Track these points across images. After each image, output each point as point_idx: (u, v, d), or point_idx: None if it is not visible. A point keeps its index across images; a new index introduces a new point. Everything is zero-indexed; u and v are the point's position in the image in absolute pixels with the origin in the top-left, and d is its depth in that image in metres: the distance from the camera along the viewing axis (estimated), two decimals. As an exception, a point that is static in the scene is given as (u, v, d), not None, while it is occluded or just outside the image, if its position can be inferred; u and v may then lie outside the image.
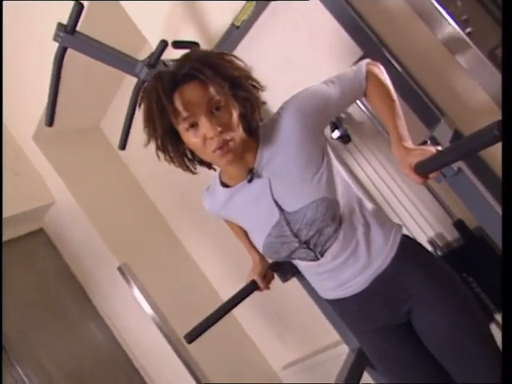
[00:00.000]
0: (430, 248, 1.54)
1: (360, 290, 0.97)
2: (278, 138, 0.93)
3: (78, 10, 1.35)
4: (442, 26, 1.37)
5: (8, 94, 2.30)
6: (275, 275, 1.33)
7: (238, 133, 0.90)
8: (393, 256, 0.95)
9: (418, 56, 1.36)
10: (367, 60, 1.01)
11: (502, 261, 0.69)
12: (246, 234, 1.17)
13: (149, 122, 0.89)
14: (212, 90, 0.86)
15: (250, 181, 0.95)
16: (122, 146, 1.70)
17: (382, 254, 0.95)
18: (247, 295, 1.27)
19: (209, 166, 0.99)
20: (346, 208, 0.94)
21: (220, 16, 1.61)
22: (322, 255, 0.96)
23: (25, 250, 2.40)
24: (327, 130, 1.54)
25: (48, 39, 1.44)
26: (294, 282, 1.43)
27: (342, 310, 1.05)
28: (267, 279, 1.27)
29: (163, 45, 1.42)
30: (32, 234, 2.47)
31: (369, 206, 0.99)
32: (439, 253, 1.52)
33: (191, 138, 0.88)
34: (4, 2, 2.02)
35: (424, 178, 0.88)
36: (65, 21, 1.40)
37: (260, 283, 1.25)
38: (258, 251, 1.24)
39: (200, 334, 1.24)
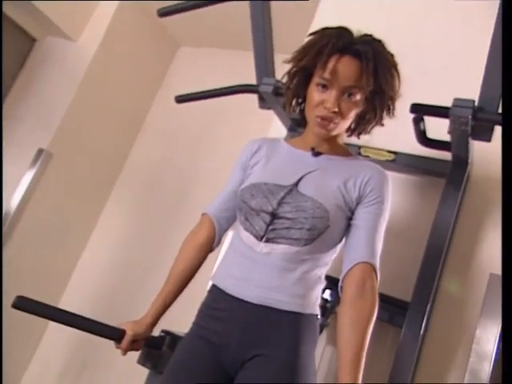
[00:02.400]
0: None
1: (247, 299, 0.92)
2: (348, 169, 1.00)
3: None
4: None
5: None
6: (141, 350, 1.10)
7: (344, 124, 0.99)
8: (289, 310, 0.92)
9: None
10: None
11: (502, 261, 0.70)
12: (186, 267, 1.06)
13: (302, 52, 0.98)
14: (362, 79, 0.93)
15: (314, 155, 1.03)
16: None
17: (286, 298, 0.92)
18: (104, 336, 1.04)
19: (300, 123, 1.10)
20: (320, 247, 0.95)
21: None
22: (264, 240, 0.93)
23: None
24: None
25: None
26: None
27: (213, 301, 0.98)
28: (134, 345, 1.05)
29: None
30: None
31: (321, 274, 0.98)
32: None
33: (314, 92, 0.97)
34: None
35: None
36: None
37: (125, 342, 1.02)
38: (157, 313, 1.05)
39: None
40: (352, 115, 0.98)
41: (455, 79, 1.49)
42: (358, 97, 0.96)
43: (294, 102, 1.06)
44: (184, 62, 3.09)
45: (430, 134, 1.29)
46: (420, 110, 1.21)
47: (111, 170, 2.85)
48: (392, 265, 1.34)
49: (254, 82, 1.47)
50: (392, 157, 1.45)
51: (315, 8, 1.77)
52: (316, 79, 0.97)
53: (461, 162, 1.31)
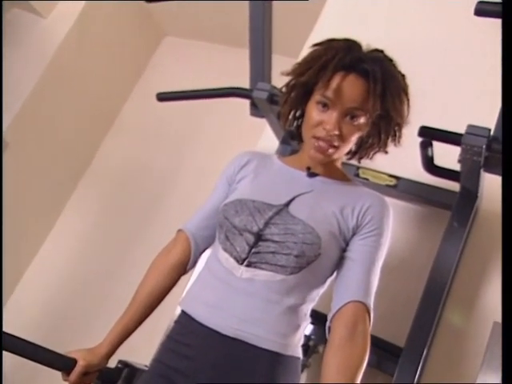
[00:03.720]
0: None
1: (221, 330, 0.88)
2: (346, 195, 0.99)
3: None
4: None
5: None
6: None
7: (344, 149, 0.97)
8: (268, 349, 0.88)
9: None
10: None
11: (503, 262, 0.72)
12: (150, 293, 1.01)
13: (305, 65, 0.96)
14: (367, 102, 0.92)
15: (310, 175, 1.02)
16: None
17: (267, 335, 0.88)
18: (49, 364, 0.97)
19: (296, 138, 1.07)
20: (308, 278, 0.92)
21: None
22: (245, 264, 0.91)
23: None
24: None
25: None
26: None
27: (179, 333, 0.94)
28: (85, 378, 0.97)
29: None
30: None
31: (307, 310, 0.96)
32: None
33: (314, 111, 0.95)
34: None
35: None
36: None
37: (75, 374, 0.95)
38: (115, 341, 1.00)
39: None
40: (353, 139, 0.97)
41: (467, 102, 1.48)
42: (362, 120, 0.95)
43: (290, 117, 1.05)
44: (169, 52, 3.05)
45: (438, 161, 1.27)
46: (429, 134, 1.20)
47: (75, 166, 2.76)
48: (385, 302, 1.31)
49: (246, 85, 1.44)
50: (393, 182, 1.43)
51: (320, 10, 1.76)
52: (317, 96, 0.95)
53: (469, 195, 1.30)
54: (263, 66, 1.40)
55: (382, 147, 1.02)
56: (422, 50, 1.61)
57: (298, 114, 1.04)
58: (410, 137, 1.21)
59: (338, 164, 1.05)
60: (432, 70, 1.58)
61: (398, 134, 1.00)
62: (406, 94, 0.97)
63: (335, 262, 0.96)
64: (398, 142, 1.01)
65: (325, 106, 0.94)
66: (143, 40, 2.95)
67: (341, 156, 1.01)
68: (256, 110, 1.44)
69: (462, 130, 1.12)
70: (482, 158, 1.11)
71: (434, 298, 1.24)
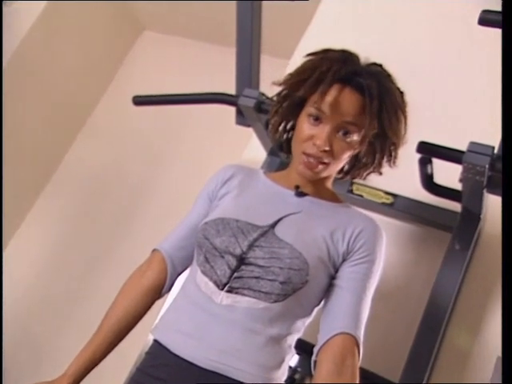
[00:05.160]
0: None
1: (197, 362, 0.88)
2: (336, 218, 0.99)
3: None
4: None
5: None
6: None
7: (335, 167, 0.98)
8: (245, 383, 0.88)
9: None
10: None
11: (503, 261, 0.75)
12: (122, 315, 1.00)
13: (298, 76, 0.96)
14: (362, 118, 0.92)
15: (298, 195, 1.02)
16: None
17: (248, 367, 0.88)
18: None
19: (284, 150, 1.08)
20: (293, 307, 0.92)
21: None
22: (226, 289, 0.90)
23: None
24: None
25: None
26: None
27: (149, 365, 0.93)
28: None
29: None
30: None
31: (291, 342, 0.95)
32: None
33: (305, 124, 0.96)
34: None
35: None
36: None
37: None
38: (80, 372, 0.97)
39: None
40: (345, 157, 0.98)
41: (467, 118, 1.50)
42: (355, 137, 0.96)
43: (281, 128, 1.05)
44: (148, 48, 3.04)
45: (438, 179, 1.29)
46: (428, 151, 1.21)
47: (39, 172, 2.73)
48: (377, 333, 1.31)
49: (233, 86, 1.44)
50: (390, 200, 1.44)
51: (313, 8, 1.78)
52: (309, 109, 0.96)
53: (471, 217, 1.32)
54: (251, 70, 1.41)
55: (377, 168, 1.04)
56: (420, 55, 1.62)
57: (288, 126, 1.05)
58: (409, 152, 1.23)
59: (329, 184, 1.06)
60: (431, 79, 1.59)
61: (393, 154, 1.01)
62: (404, 111, 0.98)
63: (323, 290, 0.96)
64: (394, 163, 1.02)
65: (317, 119, 0.95)
66: (119, 34, 2.94)
67: (331, 174, 1.02)
68: (242, 118, 1.44)
69: (463, 146, 1.13)
70: (485, 178, 1.13)
71: (432, 329, 1.24)
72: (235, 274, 0.91)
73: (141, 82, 2.68)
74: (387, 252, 1.46)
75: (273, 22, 1.56)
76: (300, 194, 1.02)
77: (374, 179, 1.37)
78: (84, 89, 2.85)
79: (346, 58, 0.96)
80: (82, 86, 2.83)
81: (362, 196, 1.46)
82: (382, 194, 1.45)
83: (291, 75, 0.99)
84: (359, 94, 0.93)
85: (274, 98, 1.03)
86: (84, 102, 2.89)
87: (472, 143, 1.12)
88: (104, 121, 2.92)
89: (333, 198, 1.06)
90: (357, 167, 1.04)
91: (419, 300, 1.31)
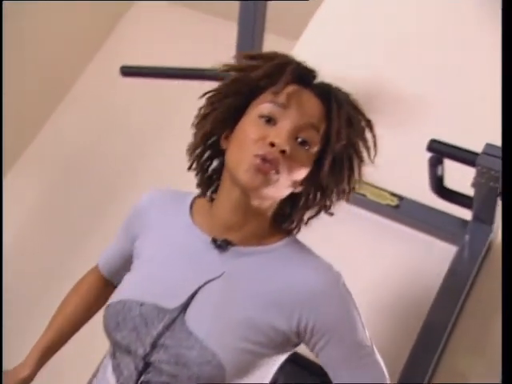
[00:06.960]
0: None
1: None
2: (273, 276, 0.87)
3: None
4: None
5: None
6: None
7: (287, 184, 0.85)
8: None
9: None
10: None
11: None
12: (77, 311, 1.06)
13: (254, 58, 0.89)
14: (322, 125, 0.86)
15: (216, 246, 0.88)
16: None
17: None
18: None
19: (205, 188, 0.96)
20: None
21: None
22: None
23: None
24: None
25: None
26: None
27: None
28: None
29: None
30: None
31: None
32: None
33: (251, 126, 0.85)
34: None
35: None
36: None
37: None
38: (42, 357, 1.02)
39: None
40: (301, 173, 0.85)
41: (488, 118, 1.52)
42: (315, 149, 0.86)
43: (205, 155, 0.95)
44: (138, 17, 3.04)
45: (449, 183, 1.30)
46: (439, 150, 1.20)
47: (11, 147, 2.72)
48: (376, 342, 1.33)
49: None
50: (395, 202, 1.45)
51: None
52: (259, 108, 0.85)
53: (483, 226, 1.33)
54: (253, 47, 1.41)
55: (328, 204, 0.91)
56: (427, 51, 1.62)
57: (213, 152, 0.94)
58: (418, 151, 1.24)
59: (268, 215, 0.91)
60: (442, 78, 1.60)
61: (347, 188, 0.89)
62: (373, 131, 0.89)
63: (271, 371, 0.89)
64: (347, 197, 0.91)
65: (270, 121, 0.84)
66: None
67: (275, 197, 0.88)
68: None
69: (479, 148, 1.14)
70: (500, 185, 1.13)
71: (431, 344, 1.25)
72: (142, 378, 0.84)
73: (131, 52, 2.67)
74: (388, 260, 1.46)
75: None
76: (221, 245, 0.88)
77: (379, 178, 1.39)
78: (67, 58, 2.85)
79: (298, 61, 0.89)
80: (65, 55, 2.83)
81: (365, 196, 1.47)
82: (388, 195, 1.46)
83: (246, 56, 0.91)
84: (321, 100, 0.87)
85: (202, 111, 0.92)
86: (66, 72, 2.89)
87: (488, 145, 1.12)
88: (86, 94, 2.92)
89: (270, 235, 0.92)
90: (302, 205, 0.91)
91: (422, 312, 1.32)
